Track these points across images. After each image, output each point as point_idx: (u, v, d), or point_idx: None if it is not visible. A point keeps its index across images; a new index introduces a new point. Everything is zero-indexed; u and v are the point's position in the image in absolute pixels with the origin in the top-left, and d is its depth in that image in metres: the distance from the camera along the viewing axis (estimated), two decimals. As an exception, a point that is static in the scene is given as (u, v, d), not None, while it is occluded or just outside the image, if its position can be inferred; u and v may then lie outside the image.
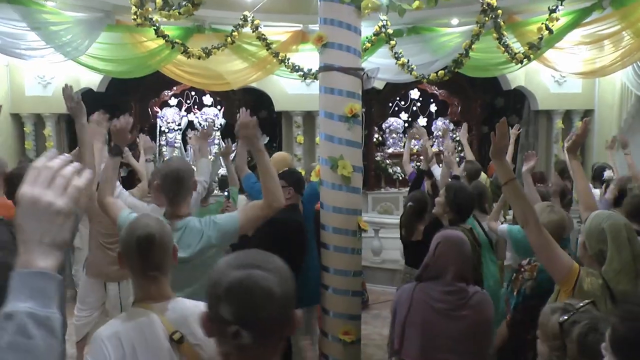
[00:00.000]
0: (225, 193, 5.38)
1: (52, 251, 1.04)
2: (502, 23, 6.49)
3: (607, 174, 6.04)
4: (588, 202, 3.39)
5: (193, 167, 3.46)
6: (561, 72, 8.33)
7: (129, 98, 9.54)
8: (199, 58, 7.03)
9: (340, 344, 4.13)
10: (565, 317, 1.84)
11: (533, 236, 2.73)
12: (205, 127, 4.09)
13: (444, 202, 3.99)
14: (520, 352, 3.22)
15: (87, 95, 8.81)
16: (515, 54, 6.45)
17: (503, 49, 6.54)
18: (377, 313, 7.04)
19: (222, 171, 10.34)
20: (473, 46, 6.83)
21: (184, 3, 3.87)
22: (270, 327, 1.29)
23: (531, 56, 6.24)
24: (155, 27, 6.30)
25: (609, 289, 2.54)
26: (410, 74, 7.33)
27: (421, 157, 5.64)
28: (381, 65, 5.93)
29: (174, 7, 3.95)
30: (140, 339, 2.01)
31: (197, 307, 2.08)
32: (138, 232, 2.11)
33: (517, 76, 8.86)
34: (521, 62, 6.48)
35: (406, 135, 10.99)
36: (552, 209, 3.52)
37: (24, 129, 8.69)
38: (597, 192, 5.71)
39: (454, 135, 10.69)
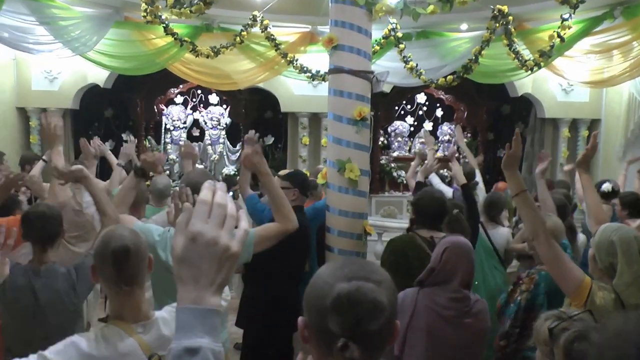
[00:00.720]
0: (231, 194, 5.36)
1: (219, 290, 1.07)
2: (512, 30, 6.47)
3: (605, 186, 5.93)
4: (598, 216, 3.36)
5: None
6: (569, 80, 8.30)
7: (135, 95, 9.55)
8: (208, 57, 7.02)
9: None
10: (556, 324, 1.83)
11: (543, 248, 2.71)
12: (184, 144, 4.09)
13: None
14: None
15: (94, 91, 8.83)
16: (526, 61, 6.42)
17: (513, 55, 6.51)
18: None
19: (226, 170, 10.36)
20: (482, 52, 6.80)
21: (195, 1, 3.85)
22: (378, 339, 1.27)
23: (541, 63, 6.21)
24: (164, 25, 6.29)
25: (622, 302, 2.52)
26: (419, 78, 7.31)
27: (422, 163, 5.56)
28: (389, 69, 5.90)
29: (185, 5, 3.93)
30: None
31: None
32: (113, 243, 2.03)
33: (525, 83, 8.83)
34: (531, 69, 6.46)
35: (412, 139, 10.99)
36: (548, 216, 3.53)
37: (30, 123, 8.70)
38: (605, 207, 5.64)
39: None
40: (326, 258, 4.21)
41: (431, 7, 3.73)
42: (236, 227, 1.09)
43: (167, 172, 9.86)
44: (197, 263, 1.05)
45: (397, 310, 3.02)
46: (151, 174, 5.15)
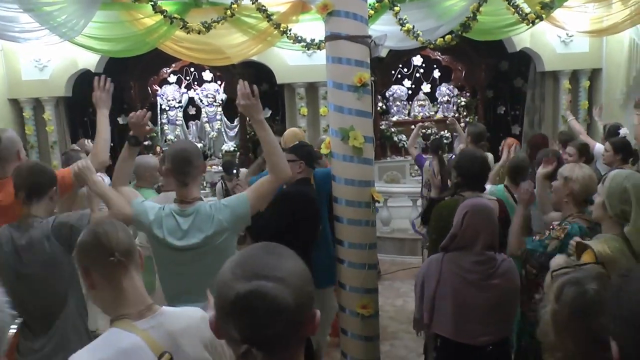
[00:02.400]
0: (234, 171, 5.34)
1: None
2: (511, -17, 6.32)
3: (623, 131, 5.99)
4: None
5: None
6: (569, 31, 8.16)
7: (127, 77, 9.43)
8: (199, 33, 6.88)
9: (358, 317, 4.07)
10: (558, 270, 1.83)
11: None
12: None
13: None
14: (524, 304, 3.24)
15: (85, 76, 8.69)
16: (527, 14, 6.28)
17: (513, 10, 6.36)
18: (389, 284, 7.02)
19: (225, 147, 10.27)
20: (480, 9, 6.66)
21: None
22: (283, 341, 1.17)
23: (543, 16, 6.06)
24: (152, 3, 6.14)
25: (630, 250, 2.52)
26: (416, 40, 7.17)
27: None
28: (385, 32, 5.78)
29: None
30: None
31: (190, 318, 1.95)
32: (101, 240, 1.91)
33: (523, 38, 8.68)
34: (532, 22, 6.32)
35: (410, 102, 10.88)
36: (580, 165, 3.43)
37: (23, 114, 8.62)
38: (601, 147, 5.64)
39: (459, 101, 10.58)
40: (335, 229, 4.15)
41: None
42: None
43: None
44: None
45: (424, 276, 3.01)
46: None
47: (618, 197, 2.60)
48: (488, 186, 4.35)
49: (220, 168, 9.84)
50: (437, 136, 10.03)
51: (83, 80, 8.81)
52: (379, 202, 4.22)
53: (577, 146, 5.13)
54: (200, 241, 2.80)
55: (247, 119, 10.24)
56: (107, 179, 6.37)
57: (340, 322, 4.24)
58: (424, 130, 10.43)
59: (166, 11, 6.48)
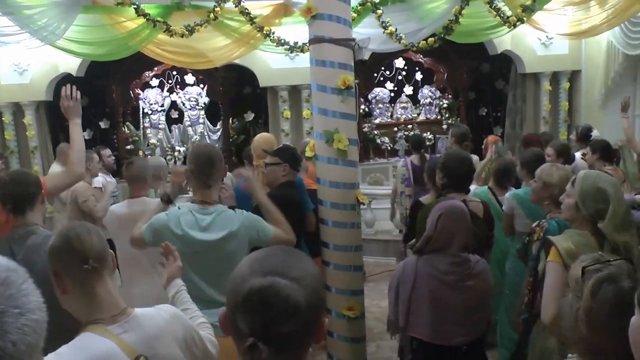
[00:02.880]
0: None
1: None
2: (492, -14, 6.39)
3: (595, 133, 6.20)
4: None
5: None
6: (549, 33, 8.28)
7: (109, 81, 9.35)
8: (182, 36, 6.84)
9: (345, 319, 4.09)
10: (592, 263, 1.82)
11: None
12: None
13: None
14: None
15: (67, 80, 8.57)
16: (508, 17, 6.35)
17: (495, 13, 6.43)
18: (374, 285, 7.03)
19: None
20: (462, 12, 6.72)
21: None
22: (291, 341, 1.17)
23: (524, 18, 6.14)
24: (135, 6, 6.09)
25: (596, 242, 2.64)
26: (399, 42, 7.20)
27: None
28: (368, 35, 5.81)
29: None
30: None
31: (163, 318, 1.92)
32: (74, 229, 1.91)
33: (504, 40, 8.78)
34: (514, 25, 6.39)
35: (392, 105, 10.93)
36: (557, 167, 3.54)
37: (3, 119, 8.52)
38: (577, 154, 5.79)
39: (441, 103, 10.66)
40: (321, 232, 4.16)
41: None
42: None
43: (149, 156, 9.73)
44: None
45: (399, 279, 3.02)
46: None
47: (592, 197, 2.67)
48: (472, 187, 4.39)
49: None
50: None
51: (64, 84, 8.73)
52: (364, 204, 4.24)
53: (555, 147, 5.19)
54: (225, 234, 2.85)
55: (230, 121, 10.24)
56: (110, 179, 6.36)
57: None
58: (406, 133, 10.52)
59: (149, 14, 6.43)
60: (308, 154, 4.34)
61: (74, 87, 3.56)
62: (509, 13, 6.71)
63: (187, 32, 6.83)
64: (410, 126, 10.65)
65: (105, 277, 1.88)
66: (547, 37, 8.72)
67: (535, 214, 3.81)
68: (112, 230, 4.09)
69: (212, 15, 6.92)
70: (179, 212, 2.89)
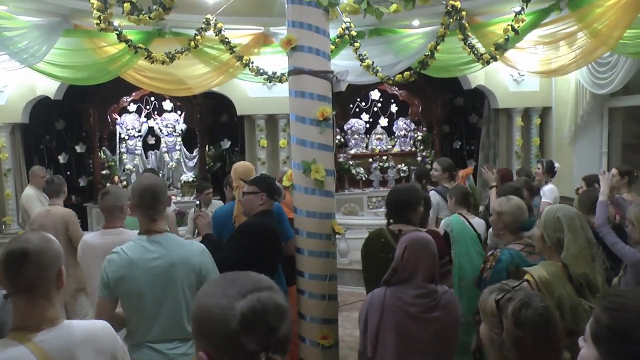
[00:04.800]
0: (197, 202, 5.33)
1: None
2: (466, 24, 6.58)
3: (557, 165, 6.60)
4: None
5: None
6: (521, 71, 8.54)
7: (87, 105, 9.31)
8: (163, 63, 6.88)
9: (319, 348, 4.09)
10: (501, 295, 1.90)
11: None
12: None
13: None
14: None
15: (44, 102, 8.58)
16: (482, 54, 6.54)
17: (469, 49, 6.62)
18: (347, 315, 7.04)
19: (184, 177, 10.19)
20: (437, 47, 6.89)
21: (154, 7, 3.77)
22: (288, 341, 1.28)
23: (497, 56, 6.34)
24: (117, 32, 6.13)
25: (568, 274, 2.79)
26: (376, 75, 7.35)
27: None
28: (345, 67, 5.93)
29: (143, 12, 3.84)
30: None
31: (90, 330, 1.93)
32: (10, 245, 1.88)
33: (477, 76, 9.02)
34: (487, 62, 6.58)
35: (368, 136, 11.06)
36: (508, 198, 3.67)
37: (-21, 140, 8.39)
38: (551, 187, 6.13)
39: (416, 136, 10.83)
40: (297, 260, 4.19)
41: (394, 6, 3.74)
42: None
43: (124, 182, 9.68)
44: None
45: (367, 310, 3.05)
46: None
47: (552, 227, 2.88)
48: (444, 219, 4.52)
49: (179, 198, 9.78)
50: (422, 165, 10.06)
51: (41, 107, 8.70)
52: (339, 234, 4.29)
53: (543, 163, 6.47)
54: (175, 260, 2.84)
55: (207, 149, 10.26)
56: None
57: (301, 352, 4.24)
58: (381, 164, 10.66)
59: (131, 40, 6.46)
60: (285, 183, 4.39)
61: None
62: (482, 50, 6.90)
63: (167, 59, 6.87)
64: (385, 157, 10.79)
65: (37, 302, 1.86)
66: (519, 74, 8.98)
67: None
68: (84, 262, 4.01)
69: (192, 43, 6.98)
70: (125, 247, 2.87)
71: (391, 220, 3.89)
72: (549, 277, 2.71)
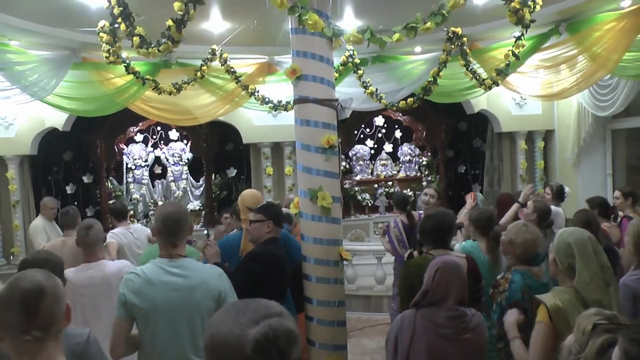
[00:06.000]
0: (205, 232, 5.38)
1: None
2: (468, 50, 6.67)
3: (567, 190, 6.53)
4: None
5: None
6: (523, 95, 8.61)
7: (94, 136, 9.41)
8: (170, 94, 6.98)
9: (328, 374, 4.10)
10: (604, 322, 1.81)
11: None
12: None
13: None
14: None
15: (52, 135, 8.68)
16: (484, 79, 6.62)
17: (471, 75, 6.70)
18: (356, 341, 7.02)
19: (191, 206, 10.25)
20: (440, 73, 6.97)
21: (163, 41, 3.86)
22: None
23: (499, 81, 6.41)
24: (125, 64, 6.24)
25: (583, 302, 2.68)
26: (380, 102, 7.43)
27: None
28: (349, 94, 6.00)
29: (152, 45, 3.93)
30: None
31: None
32: (24, 284, 1.79)
33: (480, 100, 9.09)
34: (489, 87, 6.65)
35: (373, 162, 11.13)
36: (527, 228, 3.66)
37: (-12, 172, 8.47)
38: (558, 210, 6.05)
39: (421, 161, 10.88)
40: (305, 287, 4.22)
41: (397, 35, 3.81)
42: None
43: (132, 212, 9.73)
44: None
45: (397, 332, 3.07)
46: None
47: (564, 252, 2.81)
48: (458, 244, 4.52)
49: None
50: (401, 192, 10.11)
51: (49, 139, 8.80)
52: (347, 260, 4.32)
53: (552, 188, 6.42)
54: (192, 279, 2.88)
55: (213, 177, 10.33)
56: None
57: (310, 379, 4.25)
58: (386, 189, 10.69)
59: (138, 72, 6.57)
60: (292, 210, 4.44)
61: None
62: (484, 75, 6.98)
63: (174, 90, 6.97)
64: (390, 183, 10.83)
65: (48, 343, 1.79)
66: (521, 97, 9.05)
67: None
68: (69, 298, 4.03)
69: (198, 73, 7.08)
70: (147, 269, 2.90)
71: (429, 246, 3.90)
72: (563, 305, 2.66)
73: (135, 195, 10.14)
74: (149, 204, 10.22)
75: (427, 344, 2.99)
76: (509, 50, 5.81)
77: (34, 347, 1.75)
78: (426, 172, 10.94)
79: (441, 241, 3.88)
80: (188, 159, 10.51)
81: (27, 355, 1.75)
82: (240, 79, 7.48)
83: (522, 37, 5.66)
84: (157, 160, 10.47)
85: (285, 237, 4.43)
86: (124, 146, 10.15)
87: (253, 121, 9.07)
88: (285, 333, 1.28)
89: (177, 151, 10.42)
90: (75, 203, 9.71)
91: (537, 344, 2.71)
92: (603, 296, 2.70)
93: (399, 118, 10.82)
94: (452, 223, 3.96)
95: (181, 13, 3.88)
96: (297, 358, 1.29)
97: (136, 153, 10.22)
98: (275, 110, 7.95)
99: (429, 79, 7.06)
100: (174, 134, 10.38)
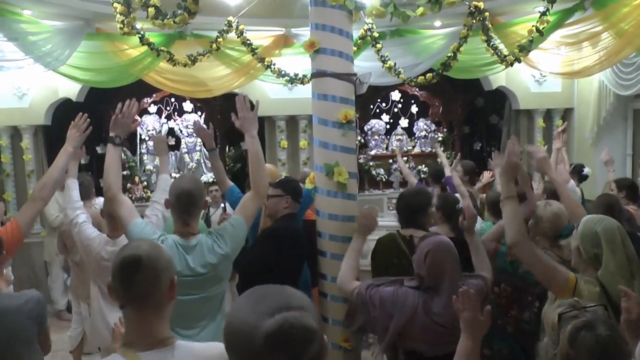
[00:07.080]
0: (222, 205, 5.33)
1: None
2: (489, 25, 6.51)
3: (587, 170, 6.37)
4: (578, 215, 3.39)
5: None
6: (543, 72, 8.44)
7: (108, 107, 9.34)
8: (185, 65, 6.91)
9: (341, 351, 4.10)
10: (567, 310, 1.84)
11: (525, 254, 2.79)
12: (155, 136, 3.94)
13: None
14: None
15: (66, 105, 8.64)
16: (505, 56, 6.47)
17: (492, 50, 6.55)
18: (369, 317, 7.01)
19: (204, 177, 10.24)
20: (460, 49, 6.84)
21: (179, 12, 3.79)
22: (321, 357, 1.25)
23: (521, 58, 6.26)
24: (140, 35, 6.17)
25: (606, 295, 2.57)
26: (398, 77, 7.32)
27: None
28: (366, 68, 5.91)
29: (168, 16, 3.86)
30: None
31: (202, 355, 1.83)
32: (123, 252, 1.84)
33: (499, 76, 8.93)
34: (511, 64, 6.50)
35: (388, 137, 11.02)
36: (547, 203, 3.62)
37: (0, 142, 8.48)
38: (576, 188, 5.93)
39: (437, 137, 10.76)
40: (319, 263, 4.20)
41: (421, 9, 3.74)
42: None
43: (145, 182, 9.75)
44: None
45: (392, 302, 3.03)
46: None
47: (590, 241, 2.68)
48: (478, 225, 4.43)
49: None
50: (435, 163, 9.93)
51: (63, 109, 8.77)
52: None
53: (570, 167, 6.17)
54: (206, 271, 2.90)
55: (227, 149, 10.28)
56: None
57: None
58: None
59: (153, 43, 6.50)
60: (308, 185, 4.40)
61: (88, 121, 3.64)
62: (505, 51, 6.83)
63: (189, 62, 6.91)
64: (405, 158, 10.72)
65: (148, 316, 1.80)
66: (540, 74, 8.88)
67: None
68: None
69: (214, 45, 7.00)
70: (166, 244, 2.88)
71: (402, 225, 3.88)
72: (589, 297, 2.55)
73: (149, 167, 10.14)
74: (163, 175, 10.18)
75: (421, 326, 2.94)
76: (532, 26, 5.66)
77: (134, 316, 1.80)
78: (442, 148, 10.81)
79: (412, 220, 3.80)
80: (202, 131, 10.45)
81: (130, 323, 1.81)
82: (256, 51, 7.39)
83: (548, 13, 5.50)
84: (171, 131, 10.42)
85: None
86: (138, 117, 10.10)
87: (269, 94, 8.97)
88: (301, 329, 1.20)
89: (191, 123, 10.36)
90: (89, 173, 9.72)
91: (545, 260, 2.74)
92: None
93: (416, 93, 10.68)
94: (423, 202, 3.85)
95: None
96: (313, 356, 1.21)
97: (150, 124, 10.17)
98: (291, 84, 7.87)
99: (449, 54, 6.93)
100: (188, 106, 10.32)
